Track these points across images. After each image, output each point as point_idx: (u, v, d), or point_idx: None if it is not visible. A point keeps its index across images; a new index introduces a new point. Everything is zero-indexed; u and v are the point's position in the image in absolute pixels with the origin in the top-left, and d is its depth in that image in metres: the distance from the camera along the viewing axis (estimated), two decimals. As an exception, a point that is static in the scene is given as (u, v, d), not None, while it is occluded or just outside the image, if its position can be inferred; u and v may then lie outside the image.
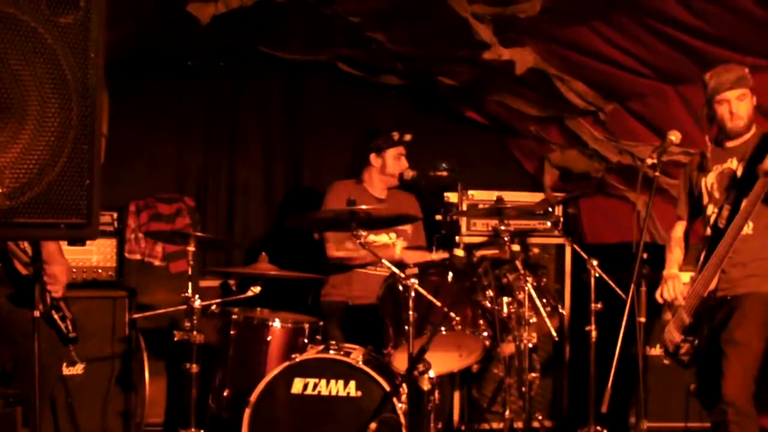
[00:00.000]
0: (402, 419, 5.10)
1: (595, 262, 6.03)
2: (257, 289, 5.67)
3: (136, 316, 6.27)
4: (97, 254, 6.61)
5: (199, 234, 5.58)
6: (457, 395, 6.82)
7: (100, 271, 6.61)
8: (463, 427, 6.66)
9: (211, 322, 5.87)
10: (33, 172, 2.66)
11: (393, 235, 6.50)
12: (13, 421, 2.49)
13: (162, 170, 7.68)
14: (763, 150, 4.87)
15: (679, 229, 5.54)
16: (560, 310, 6.21)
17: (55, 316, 5.23)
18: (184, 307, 5.44)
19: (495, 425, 6.57)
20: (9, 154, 2.62)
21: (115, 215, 6.79)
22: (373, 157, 6.56)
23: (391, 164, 6.56)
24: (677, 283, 5.25)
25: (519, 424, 5.96)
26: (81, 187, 2.80)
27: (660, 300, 5.34)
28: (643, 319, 4.72)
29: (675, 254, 5.46)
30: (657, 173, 4.86)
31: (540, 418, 6.57)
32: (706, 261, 5.04)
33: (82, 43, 2.77)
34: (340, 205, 5.82)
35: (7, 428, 2.46)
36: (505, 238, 5.71)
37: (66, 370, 6.15)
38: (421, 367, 4.90)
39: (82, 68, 2.78)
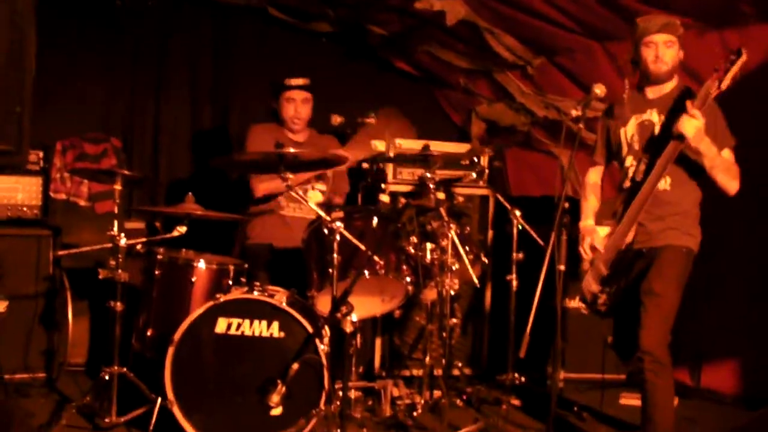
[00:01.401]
0: (324, 360, 5.15)
1: (518, 213, 6.12)
2: (183, 229, 5.65)
3: (61, 253, 6.22)
4: (22, 192, 6.55)
5: (125, 172, 5.55)
6: (378, 342, 6.88)
7: (25, 209, 6.54)
8: (383, 373, 6.72)
9: (136, 263, 5.85)
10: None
11: (322, 186, 6.52)
12: None
13: (88, 110, 7.62)
14: (679, 103, 4.93)
15: (595, 174, 5.60)
16: (483, 259, 6.31)
17: None
18: (110, 245, 5.43)
19: (415, 372, 6.63)
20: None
21: (41, 154, 6.70)
22: (274, 102, 6.64)
23: (283, 108, 6.62)
24: (594, 237, 5.32)
25: (439, 371, 6.05)
26: (11, 114, 2.79)
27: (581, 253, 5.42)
28: (563, 268, 4.80)
29: (590, 202, 5.51)
30: (581, 126, 4.91)
31: (460, 365, 6.69)
32: (624, 213, 5.11)
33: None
34: (261, 147, 5.86)
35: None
36: (431, 186, 5.76)
37: (-10, 308, 6.13)
38: (344, 309, 4.93)
39: (11, -4, 2.77)
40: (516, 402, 6.27)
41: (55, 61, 7.15)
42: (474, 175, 7.10)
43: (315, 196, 6.16)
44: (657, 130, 5.12)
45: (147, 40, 7.87)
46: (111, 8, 7.54)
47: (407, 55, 8.20)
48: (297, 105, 6.58)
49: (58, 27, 7.16)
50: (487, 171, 7.18)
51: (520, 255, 6.16)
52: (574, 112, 4.94)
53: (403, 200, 5.85)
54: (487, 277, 7.09)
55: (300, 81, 6.58)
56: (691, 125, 4.71)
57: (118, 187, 5.49)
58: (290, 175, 5.20)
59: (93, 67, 7.63)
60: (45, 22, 6.16)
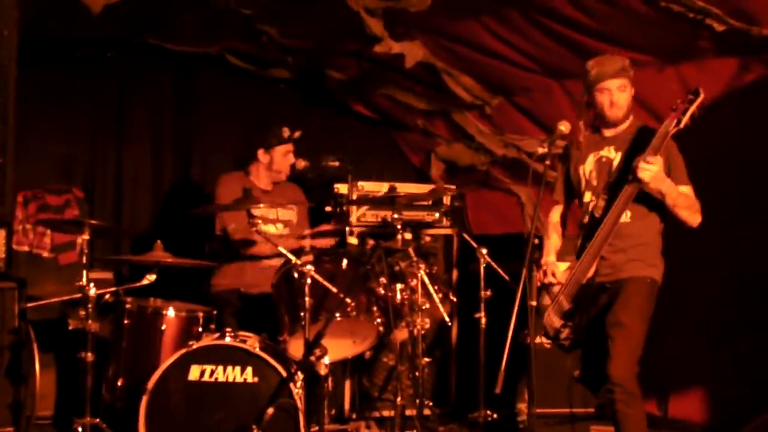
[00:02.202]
0: (299, 404, 5.17)
1: (484, 251, 6.17)
2: (153, 277, 5.64)
3: (30, 305, 6.19)
4: (-17, 245, 6.53)
5: (92, 222, 5.55)
6: (347, 384, 6.88)
7: (-13, 262, 6.52)
8: (354, 415, 6.72)
9: (103, 316, 5.82)
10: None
11: (280, 225, 6.56)
12: None
13: (49, 161, 7.58)
14: (639, 143, 5.01)
15: (556, 213, 5.64)
16: (451, 297, 6.34)
17: None
18: (79, 295, 5.41)
19: (385, 413, 6.65)
20: None
21: (2, 207, 6.68)
22: (261, 152, 6.58)
23: (279, 161, 6.59)
24: (555, 269, 5.37)
25: (410, 411, 6.06)
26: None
27: (539, 284, 5.46)
28: (534, 303, 4.83)
29: (552, 240, 5.55)
30: (547, 163, 4.95)
31: (430, 404, 6.69)
32: (584, 248, 5.14)
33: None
34: (233, 197, 5.88)
35: None
36: (398, 226, 5.80)
37: (-45, 363, 6.08)
38: (317, 352, 4.96)
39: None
40: (488, 439, 6.30)
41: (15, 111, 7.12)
42: (437, 215, 7.17)
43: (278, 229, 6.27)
44: (615, 165, 5.19)
45: (107, 90, 7.86)
46: (71, 59, 7.54)
47: (365, 99, 8.26)
48: (290, 157, 6.60)
49: (17, 76, 7.13)
50: (450, 211, 7.24)
51: (488, 292, 6.20)
52: (540, 150, 4.96)
53: (371, 242, 5.89)
54: (454, 315, 7.11)
55: (298, 134, 6.62)
56: (648, 172, 4.78)
57: (85, 237, 5.48)
58: (260, 221, 5.24)
59: (53, 117, 7.60)
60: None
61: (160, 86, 8.07)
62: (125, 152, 7.91)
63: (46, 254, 6.92)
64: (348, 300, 5.31)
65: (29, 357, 6.29)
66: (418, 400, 5.91)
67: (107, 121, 7.87)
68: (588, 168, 5.33)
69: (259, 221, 5.34)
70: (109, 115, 7.88)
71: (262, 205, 5.48)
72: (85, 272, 5.43)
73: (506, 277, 6.01)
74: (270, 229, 6.48)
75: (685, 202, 4.99)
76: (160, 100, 8.06)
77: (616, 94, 5.14)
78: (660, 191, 4.90)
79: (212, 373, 5.23)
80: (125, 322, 5.64)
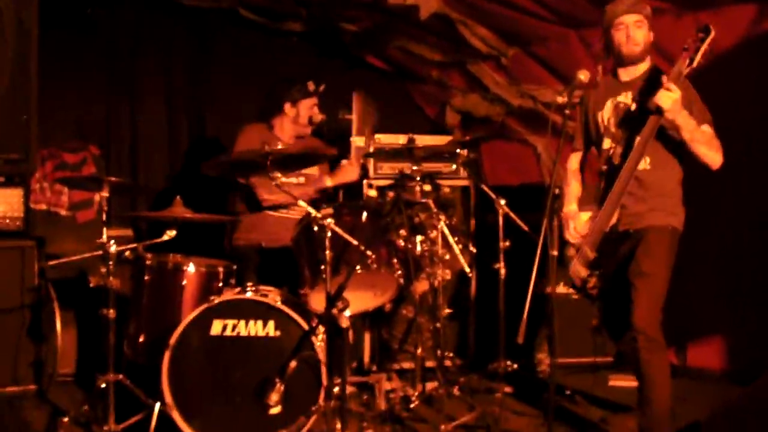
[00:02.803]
0: (321, 357, 5.18)
1: (503, 202, 6.15)
2: (173, 233, 5.62)
3: (51, 263, 6.18)
4: (3, 204, 6.49)
5: (111, 179, 5.53)
6: (367, 337, 6.90)
7: (7, 221, 6.49)
8: (374, 368, 6.73)
9: (123, 271, 5.83)
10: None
11: (302, 179, 6.55)
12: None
13: (65, 120, 7.58)
14: (653, 84, 4.97)
15: (575, 160, 5.63)
16: (470, 248, 6.33)
17: None
18: (100, 253, 5.40)
19: (405, 365, 6.67)
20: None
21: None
22: (287, 106, 6.60)
23: (304, 114, 6.61)
24: (577, 222, 5.36)
25: (430, 363, 6.08)
26: (18, 123, 2.80)
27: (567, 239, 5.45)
28: (555, 253, 4.81)
29: (572, 188, 5.55)
30: (567, 112, 4.91)
31: (450, 355, 6.69)
32: (605, 196, 5.13)
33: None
34: (251, 147, 5.85)
35: None
36: (417, 178, 5.79)
37: (-24, 322, 6.11)
38: (339, 304, 4.96)
39: (16, 3, 2.78)
40: (508, 389, 6.29)
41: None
42: (454, 166, 7.15)
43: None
44: (632, 111, 5.15)
45: (120, 48, 7.85)
46: (82, 16, 7.51)
47: (379, 51, 8.22)
48: (315, 110, 6.63)
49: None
50: (467, 162, 7.21)
51: (507, 243, 6.19)
52: (559, 99, 4.92)
53: (390, 194, 5.87)
54: (473, 266, 7.11)
55: (323, 87, 6.63)
56: (668, 97, 4.73)
57: (104, 194, 5.47)
58: (278, 174, 5.22)
59: (67, 75, 7.56)
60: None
61: (173, 42, 8.06)
62: (139, 108, 7.93)
63: (63, 212, 6.94)
64: (368, 252, 5.29)
65: (50, 315, 6.32)
66: (438, 352, 5.91)
67: (120, 77, 7.87)
68: (606, 114, 5.30)
69: (279, 175, 5.30)
70: (123, 73, 7.88)
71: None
72: (104, 229, 5.42)
73: (526, 228, 5.99)
74: (291, 180, 6.48)
75: (703, 137, 4.93)
76: (174, 56, 8.06)
77: (633, 29, 5.09)
78: (677, 123, 4.85)
79: (234, 327, 5.24)
80: (145, 278, 5.65)
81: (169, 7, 7.65)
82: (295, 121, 6.61)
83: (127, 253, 5.72)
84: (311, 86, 6.57)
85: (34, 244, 6.49)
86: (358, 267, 5.24)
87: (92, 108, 7.75)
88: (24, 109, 2.72)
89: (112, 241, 5.37)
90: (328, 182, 6.52)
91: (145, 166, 7.90)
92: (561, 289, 6.18)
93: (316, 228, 5.31)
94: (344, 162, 6.72)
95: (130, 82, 7.90)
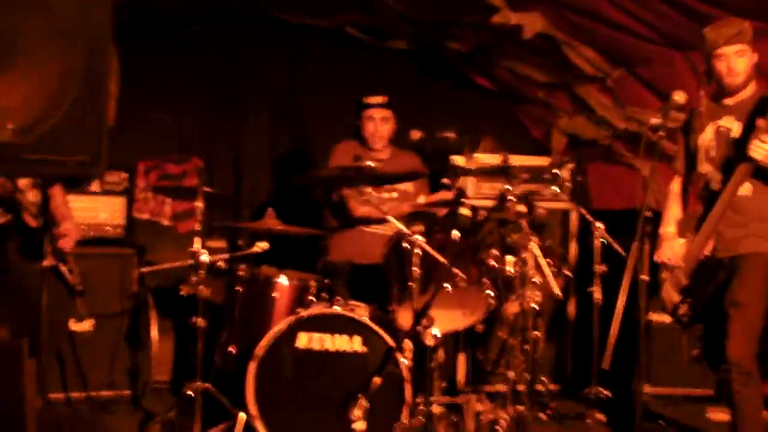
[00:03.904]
0: (405, 374, 5.15)
1: (600, 225, 6.05)
2: (264, 245, 5.69)
3: (144, 270, 6.30)
4: (105, 212, 6.64)
5: (206, 189, 5.60)
6: (461, 358, 6.85)
7: (108, 228, 6.64)
8: (467, 390, 6.67)
9: (218, 282, 5.91)
10: (42, 110, 2.70)
11: (395, 194, 6.54)
12: (19, 351, 2.53)
13: (169, 132, 7.73)
14: (757, 115, 4.83)
15: (676, 184, 5.53)
16: (564, 272, 6.24)
17: (63, 269, 5.28)
18: (191, 261, 5.47)
19: (499, 387, 6.60)
20: (20, 93, 2.67)
21: (124, 175, 6.81)
22: (357, 120, 6.66)
23: (364, 126, 6.61)
24: (673, 243, 5.26)
25: (523, 387, 6.00)
26: (89, 126, 2.84)
27: (657, 260, 5.35)
28: (646, 278, 4.72)
29: (672, 211, 5.46)
30: (661, 133, 4.83)
31: (544, 380, 6.60)
32: (702, 222, 5.03)
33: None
34: (345, 162, 5.86)
35: (14, 358, 2.51)
36: (511, 198, 5.73)
37: (75, 326, 6.20)
38: (425, 322, 4.93)
39: (87, 10, 2.82)
40: (600, 417, 6.18)
41: (136, 84, 7.31)
42: (555, 188, 7.06)
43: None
44: (734, 135, 5.03)
45: (225, 63, 7.95)
46: (188, 32, 7.65)
47: (485, 71, 8.18)
48: (377, 123, 6.58)
49: (137, 51, 7.30)
50: (568, 185, 7.12)
51: (603, 267, 6.09)
52: (653, 121, 4.85)
53: (483, 213, 5.83)
54: (570, 290, 7.03)
55: (378, 99, 6.59)
56: (762, 152, 4.64)
57: (199, 204, 5.54)
58: (369, 189, 5.23)
59: (173, 89, 7.73)
60: (124, 46, 6.34)
61: (277, 58, 8.13)
62: (242, 124, 8.03)
63: (165, 222, 7.05)
64: (457, 270, 5.25)
65: (147, 323, 6.42)
66: (528, 375, 5.83)
67: (225, 93, 7.98)
68: (707, 138, 5.19)
69: (368, 190, 5.31)
70: (227, 88, 7.99)
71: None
72: (197, 238, 5.48)
73: (621, 251, 5.89)
74: (383, 196, 6.47)
75: None
76: (277, 72, 8.13)
77: (734, 60, 4.97)
78: None
79: (320, 341, 5.25)
80: (238, 289, 5.69)
81: (273, 23, 7.74)
82: (362, 133, 6.63)
83: (221, 263, 5.79)
84: (366, 98, 6.59)
85: (134, 251, 6.63)
86: (446, 285, 5.21)
87: (197, 121, 7.86)
88: (95, 115, 2.76)
89: (204, 251, 5.42)
90: (422, 200, 6.47)
91: (248, 179, 7.97)
92: (658, 317, 6.07)
93: (405, 245, 5.28)
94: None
95: (235, 97, 8.00)
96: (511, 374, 5.88)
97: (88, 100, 2.82)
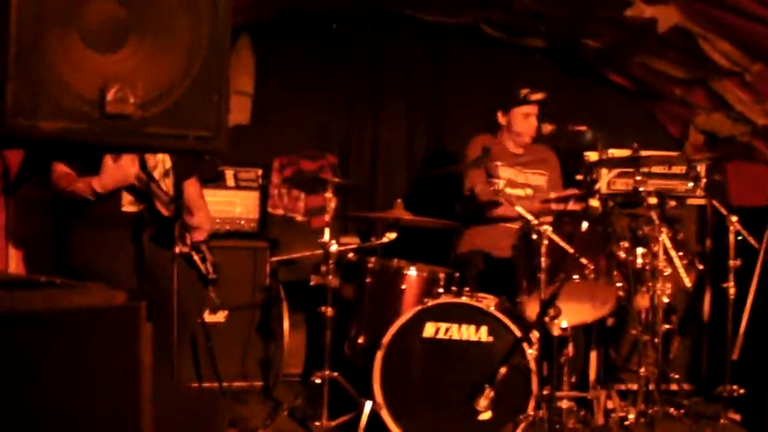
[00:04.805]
0: (532, 365, 5.12)
1: (734, 219, 5.92)
2: (393, 235, 5.72)
3: (274, 259, 6.41)
4: (240, 206, 6.78)
5: (336, 180, 5.67)
6: (593, 354, 6.76)
7: (242, 222, 6.77)
8: (599, 387, 6.59)
9: (348, 275, 5.97)
10: (165, 85, 2.76)
11: (529, 190, 6.51)
12: (137, 313, 2.59)
13: (306, 130, 7.79)
14: None
15: None
16: (697, 265, 6.10)
17: (196, 257, 5.41)
18: (320, 252, 5.55)
19: (631, 386, 6.49)
20: (143, 68, 2.73)
21: (260, 171, 6.96)
22: (500, 114, 6.56)
23: (516, 123, 6.50)
24: None
25: (653, 385, 5.90)
26: (209, 102, 2.90)
27: None
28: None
29: None
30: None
31: (677, 377, 6.46)
32: None
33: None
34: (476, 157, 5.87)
35: (131, 320, 2.57)
36: (642, 191, 5.65)
37: (208, 318, 6.36)
38: (551, 312, 4.90)
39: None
40: (735, 416, 6.03)
41: (273, 82, 7.47)
42: (690, 184, 6.94)
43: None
44: None
45: (363, 61, 8.02)
46: (327, 31, 7.75)
47: (621, 68, 8.08)
48: (532, 120, 6.50)
49: (276, 48, 7.45)
50: (704, 180, 6.98)
51: (738, 262, 5.95)
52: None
53: (611, 204, 5.76)
54: (705, 285, 6.89)
55: (539, 95, 6.48)
56: None
57: (329, 195, 5.61)
58: (497, 180, 5.23)
59: (310, 88, 7.80)
60: (262, 45, 6.47)
61: (414, 57, 8.13)
62: (379, 122, 8.04)
63: (299, 218, 7.14)
64: (586, 262, 5.20)
65: (279, 315, 6.52)
66: (658, 371, 5.73)
67: (362, 91, 8.02)
68: None
69: (499, 181, 5.31)
70: (364, 86, 8.03)
71: (499, 163, 5.43)
72: (327, 229, 5.55)
73: (755, 244, 5.75)
74: (517, 192, 6.45)
75: None
76: (414, 71, 8.12)
77: None
78: None
79: (447, 330, 5.26)
80: (367, 280, 5.75)
81: (411, 22, 7.77)
82: (509, 129, 6.54)
83: (351, 255, 5.85)
84: (523, 92, 6.45)
85: (267, 245, 6.75)
86: (575, 276, 5.17)
87: (334, 118, 7.93)
88: (217, 89, 2.82)
89: (333, 241, 5.50)
90: (552, 195, 6.41)
91: (384, 174, 7.99)
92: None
93: (534, 236, 5.26)
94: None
95: (373, 95, 8.04)
96: (642, 371, 5.81)
97: (211, 75, 2.89)
